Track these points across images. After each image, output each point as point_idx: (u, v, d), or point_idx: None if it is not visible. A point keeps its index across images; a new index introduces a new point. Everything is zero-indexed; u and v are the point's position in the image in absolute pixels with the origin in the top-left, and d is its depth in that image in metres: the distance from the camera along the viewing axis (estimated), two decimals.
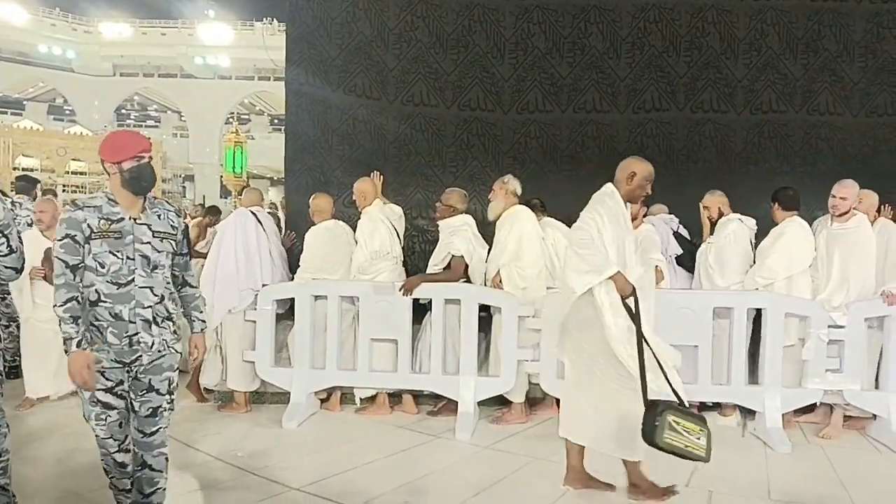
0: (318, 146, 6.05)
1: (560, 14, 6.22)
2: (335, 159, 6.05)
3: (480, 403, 4.77)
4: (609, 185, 3.54)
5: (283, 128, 6.51)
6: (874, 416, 4.57)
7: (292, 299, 5.00)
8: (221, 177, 22.54)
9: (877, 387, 4.56)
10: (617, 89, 6.22)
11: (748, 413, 4.70)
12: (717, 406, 4.86)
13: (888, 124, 6.16)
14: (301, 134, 6.06)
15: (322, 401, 5.10)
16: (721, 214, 5.03)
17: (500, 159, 6.24)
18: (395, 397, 5.09)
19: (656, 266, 4.67)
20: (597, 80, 6.23)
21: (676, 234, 5.34)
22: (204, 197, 31.81)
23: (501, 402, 4.93)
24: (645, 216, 5.00)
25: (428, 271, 5.04)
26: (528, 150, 6.29)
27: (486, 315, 4.93)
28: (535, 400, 5.05)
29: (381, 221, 5.05)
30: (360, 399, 5.06)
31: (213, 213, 7.47)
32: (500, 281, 4.77)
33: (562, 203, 5.84)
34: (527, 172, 5.73)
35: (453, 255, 4.84)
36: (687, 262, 5.25)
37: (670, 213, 5.52)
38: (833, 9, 6.13)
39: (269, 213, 5.92)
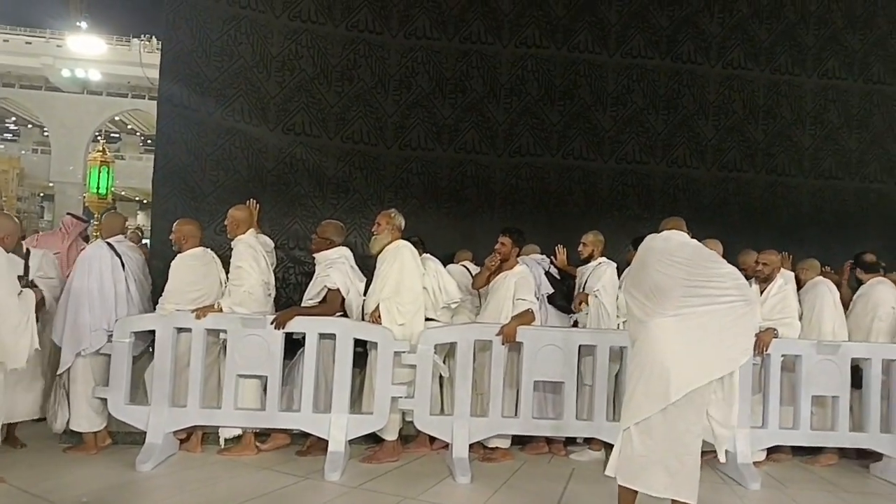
0: (191, 170, 5.78)
1: (444, 56, 6.39)
2: (208, 185, 5.81)
3: (351, 441, 4.66)
4: None
5: None
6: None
7: (151, 339, 4.70)
8: (84, 197, 21.08)
9: None
10: (495, 132, 6.46)
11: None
12: (587, 440, 5.04)
13: (737, 179, 6.80)
14: (173, 156, 5.77)
15: (181, 441, 4.78)
16: (592, 255, 5.30)
17: (381, 193, 6.26)
18: (262, 436, 4.87)
19: (529, 309, 4.80)
20: (476, 122, 6.44)
21: (548, 274, 5.54)
22: None
23: (374, 439, 4.84)
24: (518, 256, 5.15)
25: (303, 304, 4.91)
26: (410, 186, 6.36)
27: (361, 350, 4.86)
28: (409, 437, 5.01)
29: (259, 251, 4.87)
30: (224, 439, 4.79)
31: None
32: (379, 316, 4.71)
33: (442, 239, 5.96)
34: (408, 208, 5.77)
35: (329, 289, 4.75)
36: (558, 300, 5.45)
37: (542, 254, 5.73)
38: (691, 71, 6.73)
39: (131, 241, 5.55)
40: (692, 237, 3.63)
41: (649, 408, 3.30)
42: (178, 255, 4.84)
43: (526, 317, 4.77)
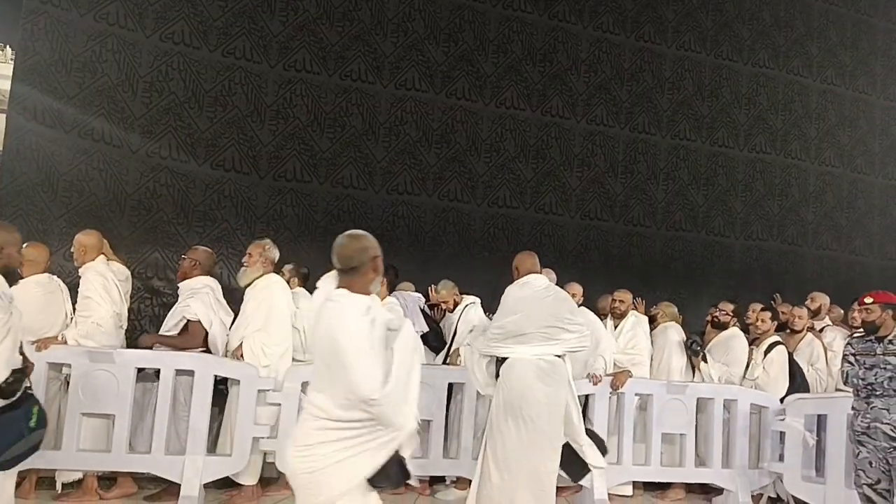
0: (40, 191, 5.34)
1: (323, 91, 6.39)
2: (59, 207, 5.38)
3: (207, 485, 4.38)
4: None
5: None
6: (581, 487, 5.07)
7: None
8: None
9: None
10: (373, 169, 6.50)
11: None
12: (454, 480, 5.05)
13: (597, 227, 7.25)
14: (20, 175, 5.31)
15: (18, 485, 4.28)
16: (456, 304, 5.40)
17: (252, 223, 6.08)
18: (107, 480, 4.47)
19: None
20: (355, 158, 6.45)
21: (423, 312, 5.56)
22: None
23: (232, 482, 4.58)
24: (392, 292, 5.14)
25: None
26: (283, 218, 6.23)
27: (222, 388, 4.61)
28: (269, 480, 4.78)
29: (111, 279, 4.52)
30: (62, 483, 4.35)
31: None
32: (242, 355, 4.49)
33: (315, 275, 5.83)
34: (280, 240, 5.62)
35: (189, 320, 4.49)
36: (432, 340, 5.48)
37: (417, 292, 5.76)
38: (559, 125, 7.16)
39: None
40: (557, 281, 3.90)
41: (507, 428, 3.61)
42: (20, 282, 4.39)
43: None
